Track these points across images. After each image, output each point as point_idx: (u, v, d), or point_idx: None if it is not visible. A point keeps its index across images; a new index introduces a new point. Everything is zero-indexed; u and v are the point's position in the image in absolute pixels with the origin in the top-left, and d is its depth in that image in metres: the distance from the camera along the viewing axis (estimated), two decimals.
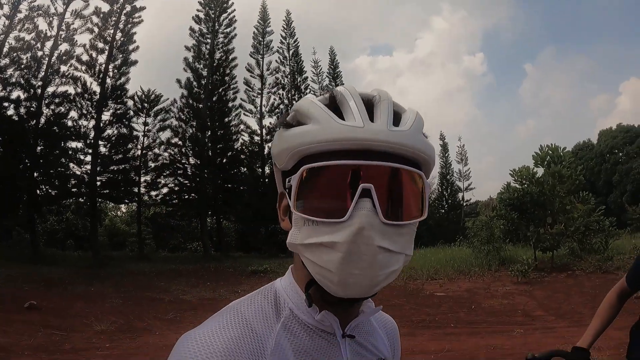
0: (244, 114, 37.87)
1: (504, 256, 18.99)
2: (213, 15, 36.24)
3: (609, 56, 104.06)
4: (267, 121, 38.38)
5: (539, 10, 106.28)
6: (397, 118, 0.84)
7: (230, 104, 36.52)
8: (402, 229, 0.82)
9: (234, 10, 36.98)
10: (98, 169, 29.47)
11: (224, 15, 36.63)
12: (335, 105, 0.83)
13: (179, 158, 34.26)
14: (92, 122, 29.79)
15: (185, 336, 0.82)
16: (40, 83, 27.76)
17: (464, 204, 50.56)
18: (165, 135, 34.33)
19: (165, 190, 34.34)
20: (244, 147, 37.28)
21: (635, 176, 50.41)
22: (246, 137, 37.46)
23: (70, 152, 29.20)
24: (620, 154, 55.47)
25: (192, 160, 34.41)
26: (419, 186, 0.84)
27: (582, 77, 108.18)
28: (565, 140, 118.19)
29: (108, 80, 30.35)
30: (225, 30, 36.68)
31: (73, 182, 29.34)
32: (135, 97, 33.15)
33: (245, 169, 36.78)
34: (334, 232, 0.77)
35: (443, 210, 50.15)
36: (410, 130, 0.82)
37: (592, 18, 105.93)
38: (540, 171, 18.65)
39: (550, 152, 18.61)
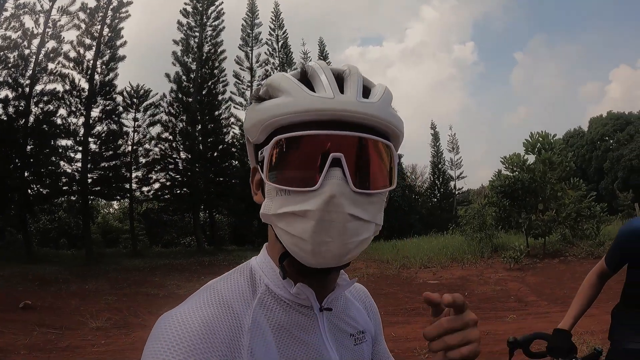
0: (234, 106, 37.80)
1: (496, 243, 19.17)
2: (201, 8, 36.08)
3: (599, 44, 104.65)
4: None
5: None
6: (366, 91, 0.86)
7: (220, 97, 36.48)
8: (372, 198, 0.84)
9: (222, 2, 36.93)
10: (89, 166, 29.24)
11: (212, 8, 36.53)
12: (306, 80, 0.85)
13: (170, 153, 34.18)
14: (82, 119, 29.52)
15: (163, 316, 0.82)
16: (28, 81, 27.47)
17: (456, 192, 50.95)
18: (155, 130, 34.25)
19: (157, 185, 34.28)
20: (234, 140, 37.08)
21: (626, 163, 50.82)
22: (237, 130, 37.25)
23: (60, 150, 28.97)
24: (611, 141, 55.97)
25: (183, 155, 34.35)
26: (388, 157, 0.87)
27: (572, 64, 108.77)
28: (556, 128, 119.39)
29: (96, 77, 30.06)
30: (213, 23, 36.58)
31: (64, 180, 29.11)
32: (124, 93, 32.90)
33: (236, 162, 36.60)
34: (305, 200, 0.79)
35: (435, 199, 50.53)
36: (379, 103, 0.84)
37: (582, 6, 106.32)
38: (531, 158, 18.70)
39: (541, 139, 18.64)
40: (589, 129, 60.33)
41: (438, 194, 50.76)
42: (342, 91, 0.83)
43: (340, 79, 0.85)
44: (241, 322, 0.84)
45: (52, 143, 28.48)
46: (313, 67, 0.86)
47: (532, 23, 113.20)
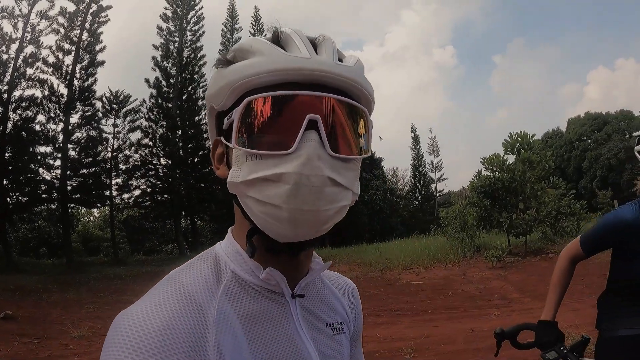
0: None
1: (478, 243, 19.27)
2: (181, 13, 35.93)
3: (577, 46, 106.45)
4: None
5: (508, 1, 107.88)
6: (340, 58, 0.83)
7: (200, 103, 36.11)
8: (349, 164, 0.80)
9: (202, 7, 36.89)
10: (68, 173, 28.94)
11: (192, 12, 36.40)
12: (279, 44, 0.81)
13: (150, 159, 33.91)
14: (61, 126, 29.25)
15: (120, 316, 0.76)
16: (6, 87, 27.02)
17: (437, 194, 51.10)
18: (135, 136, 33.88)
19: (137, 192, 33.99)
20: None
21: (604, 162, 51.91)
22: None
23: (39, 157, 28.55)
24: (589, 140, 57.20)
25: (163, 161, 34.17)
26: (364, 122, 0.84)
27: (550, 67, 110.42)
28: (535, 129, 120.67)
29: (75, 82, 29.79)
30: (193, 28, 36.47)
31: (43, 187, 28.70)
32: (104, 99, 32.47)
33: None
34: (280, 164, 0.74)
35: (417, 202, 50.74)
36: (355, 67, 0.82)
37: (560, 9, 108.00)
38: (510, 158, 18.89)
39: (520, 139, 18.82)
40: (567, 129, 61.46)
41: (419, 197, 51.01)
42: (317, 54, 0.79)
43: (314, 44, 0.82)
44: (205, 315, 0.78)
45: (31, 150, 28.04)
46: (286, 31, 0.82)
47: (511, 26, 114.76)
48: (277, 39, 0.81)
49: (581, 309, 7.81)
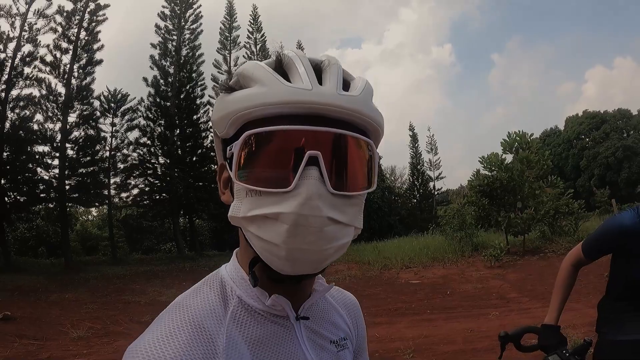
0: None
1: (476, 242, 19.33)
2: (179, 12, 35.83)
3: (575, 45, 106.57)
4: None
5: None
6: (346, 84, 0.80)
7: (198, 101, 36.21)
8: (351, 200, 0.78)
9: (200, 6, 36.81)
10: (66, 172, 28.80)
11: (190, 11, 36.31)
12: (282, 69, 0.78)
13: (148, 158, 33.91)
14: (59, 125, 29.07)
15: (131, 348, 0.75)
16: (4, 86, 26.90)
17: (435, 192, 51.14)
18: (133, 135, 33.91)
19: (135, 191, 34.00)
20: (213, 144, 36.63)
21: (602, 160, 52.22)
22: None
23: (37, 157, 28.44)
24: (587, 139, 57.60)
25: (161, 160, 34.17)
26: (369, 155, 0.81)
27: (548, 65, 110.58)
28: (533, 127, 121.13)
29: (73, 81, 29.65)
30: (191, 27, 36.36)
31: (41, 187, 28.59)
32: (102, 97, 32.59)
33: (216, 166, 36.17)
34: (278, 202, 0.72)
35: (415, 200, 50.82)
36: (361, 96, 0.78)
37: (558, 7, 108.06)
38: (509, 157, 18.96)
39: (518, 138, 18.88)
40: (565, 127, 61.75)
41: (417, 195, 51.09)
42: (320, 82, 0.76)
43: (318, 70, 0.79)
44: (215, 344, 0.77)
45: (29, 149, 27.95)
46: (289, 55, 0.79)
47: (509, 24, 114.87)
48: (280, 64, 0.79)
49: (579, 309, 7.82)
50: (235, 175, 0.77)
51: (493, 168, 18.78)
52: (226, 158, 0.82)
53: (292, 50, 0.82)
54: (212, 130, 0.91)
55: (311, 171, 0.72)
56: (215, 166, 0.97)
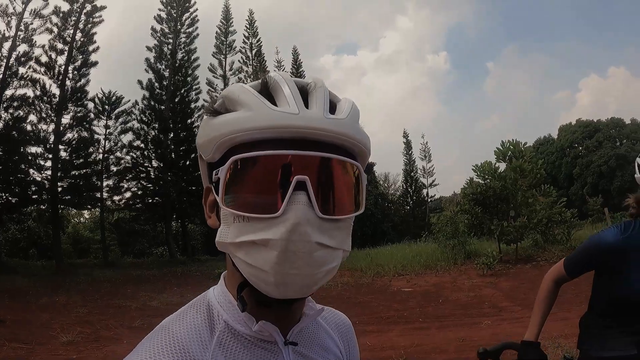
0: None
1: (469, 250, 19.37)
2: (175, 15, 35.84)
3: (569, 54, 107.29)
4: None
5: (501, 8, 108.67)
6: (332, 107, 0.80)
7: (192, 105, 36.17)
8: (340, 224, 0.77)
9: (197, 9, 36.81)
10: (59, 174, 28.70)
11: (186, 14, 36.32)
12: (268, 92, 0.78)
13: (142, 161, 33.76)
14: (52, 126, 29.02)
15: None
16: None
17: (429, 200, 51.25)
18: (127, 138, 33.71)
19: (128, 194, 33.84)
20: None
21: (595, 169, 52.69)
22: None
23: (30, 158, 28.35)
24: (580, 148, 58.04)
25: (154, 163, 34.00)
26: (356, 178, 0.80)
27: (543, 74, 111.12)
28: (526, 135, 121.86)
29: (68, 82, 29.59)
30: (187, 30, 36.36)
31: (33, 188, 28.46)
32: (96, 100, 32.32)
33: None
34: (267, 228, 0.72)
35: (408, 207, 50.87)
36: (347, 119, 0.78)
37: (553, 16, 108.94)
38: (502, 166, 19.08)
39: (512, 147, 19.03)
40: (559, 136, 62.25)
41: (410, 202, 51.18)
42: (307, 106, 0.76)
43: (304, 93, 0.78)
44: None
45: (22, 150, 27.84)
46: (275, 78, 0.79)
47: (504, 33, 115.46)
48: (266, 87, 0.78)
49: (570, 319, 7.79)
50: (222, 200, 0.75)
51: (486, 176, 18.90)
52: (212, 182, 0.81)
53: (278, 72, 0.81)
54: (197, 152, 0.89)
55: (299, 196, 0.72)
56: None
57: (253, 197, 0.74)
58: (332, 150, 0.76)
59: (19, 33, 27.70)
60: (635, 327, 2.16)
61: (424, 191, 51.42)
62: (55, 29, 29.23)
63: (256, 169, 0.74)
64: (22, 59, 27.90)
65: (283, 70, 0.83)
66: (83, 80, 30.44)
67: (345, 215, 0.78)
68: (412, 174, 51.69)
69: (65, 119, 29.65)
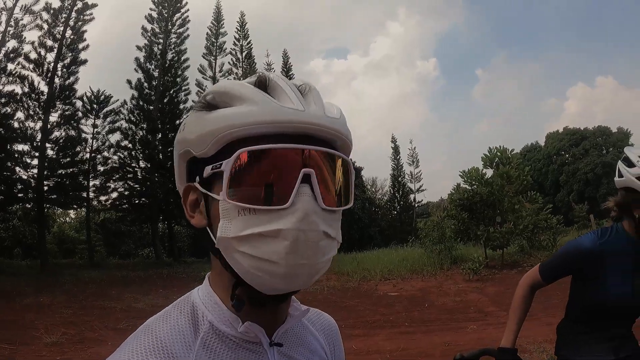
0: None
1: (455, 255, 19.41)
2: (166, 15, 35.61)
3: (558, 63, 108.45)
4: None
5: (491, 17, 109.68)
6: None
7: (181, 106, 35.88)
8: (336, 215, 0.81)
9: (188, 10, 36.52)
10: (45, 173, 28.39)
11: (178, 15, 36.08)
12: (264, 89, 0.79)
13: (129, 161, 33.43)
14: (40, 124, 28.61)
15: None
16: None
17: (416, 205, 51.37)
18: (114, 137, 33.39)
19: (115, 195, 33.47)
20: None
21: (581, 176, 53.46)
22: None
23: (16, 155, 27.95)
24: (567, 155, 58.94)
25: (142, 164, 33.67)
26: (349, 173, 0.84)
27: (532, 82, 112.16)
28: (514, 142, 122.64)
29: (56, 80, 29.19)
30: (178, 31, 36.14)
31: (19, 187, 28.11)
32: (84, 98, 31.96)
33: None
34: (276, 219, 0.73)
35: (395, 212, 50.97)
36: (341, 119, 0.83)
37: (543, 25, 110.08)
38: (489, 172, 19.23)
39: (499, 154, 19.21)
40: (546, 143, 63.11)
41: (398, 207, 51.29)
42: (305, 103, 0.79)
43: (301, 93, 0.81)
44: None
45: (8, 147, 27.50)
46: (273, 77, 0.81)
47: (494, 41, 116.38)
48: (263, 84, 0.80)
49: (555, 324, 7.83)
50: (227, 193, 0.75)
51: (473, 182, 19.03)
52: (195, 178, 0.83)
53: (270, 72, 0.83)
54: (175, 150, 0.90)
55: (305, 188, 0.74)
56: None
57: (260, 189, 0.75)
58: (328, 146, 0.80)
59: (9, 29, 27.42)
60: (612, 332, 2.22)
61: (412, 196, 51.61)
62: (46, 26, 28.88)
63: (264, 162, 0.75)
64: (11, 55, 27.56)
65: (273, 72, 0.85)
66: (72, 78, 30.13)
67: (341, 207, 0.82)
68: (399, 178, 51.85)
69: (53, 117, 29.31)
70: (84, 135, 31.61)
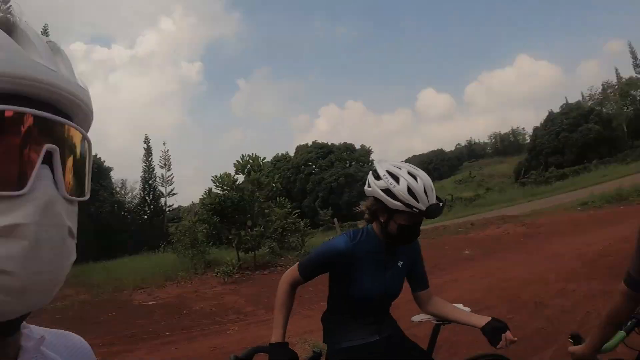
0: None
1: (209, 259, 19.37)
2: None
3: (316, 83, 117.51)
4: None
5: (261, 34, 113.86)
6: None
7: None
8: (75, 207, 0.63)
9: None
10: None
11: None
12: (10, 35, 0.57)
13: None
14: None
15: None
16: None
17: (167, 209, 50.21)
18: None
19: None
20: None
21: (326, 185, 60.59)
22: None
23: None
24: (314, 166, 65.72)
25: None
26: (90, 159, 0.68)
27: (289, 98, 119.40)
28: (266, 151, 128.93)
29: None
30: None
31: None
32: None
33: None
34: (9, 211, 0.53)
35: (146, 216, 49.13)
36: (88, 91, 0.67)
37: (307, 48, 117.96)
38: (241, 178, 19.73)
39: (251, 161, 19.79)
40: (295, 154, 69.21)
41: (148, 211, 49.50)
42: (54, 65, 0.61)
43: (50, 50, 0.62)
44: None
45: None
46: (22, 21, 0.60)
47: (260, 55, 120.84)
48: (10, 30, 0.59)
49: (313, 316, 8.24)
50: None
51: (225, 187, 19.31)
52: None
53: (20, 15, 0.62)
54: None
55: (46, 171, 0.57)
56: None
57: None
58: (73, 121, 0.64)
59: None
60: (370, 318, 2.58)
61: (162, 200, 50.30)
62: None
63: None
64: None
65: None
66: None
67: (84, 197, 0.66)
68: (150, 181, 50.07)
69: None
70: None
